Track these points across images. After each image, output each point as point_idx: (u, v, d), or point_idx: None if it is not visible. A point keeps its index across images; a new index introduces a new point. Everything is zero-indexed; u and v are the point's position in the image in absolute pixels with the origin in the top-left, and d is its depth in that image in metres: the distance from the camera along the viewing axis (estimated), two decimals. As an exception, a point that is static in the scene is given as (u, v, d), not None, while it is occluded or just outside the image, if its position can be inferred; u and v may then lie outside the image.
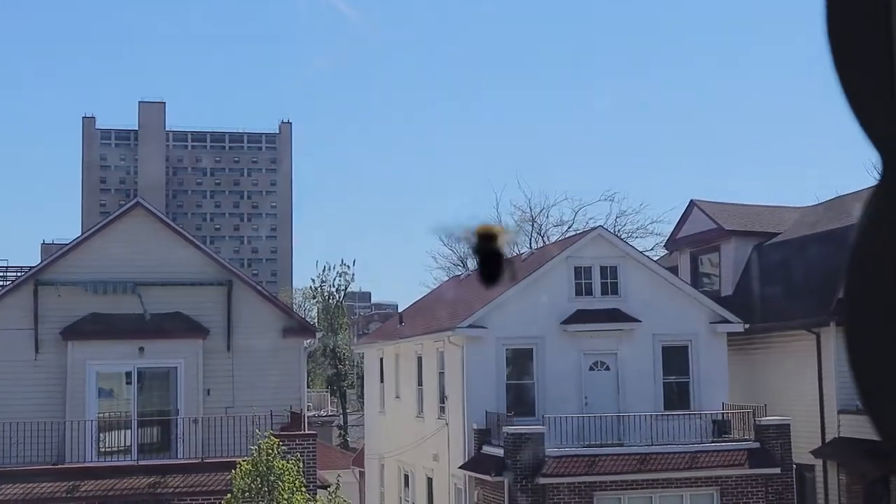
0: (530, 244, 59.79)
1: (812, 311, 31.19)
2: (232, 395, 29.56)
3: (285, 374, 30.33)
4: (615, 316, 32.38)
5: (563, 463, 28.70)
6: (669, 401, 32.39)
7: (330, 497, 26.91)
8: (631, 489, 29.11)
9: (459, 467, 31.94)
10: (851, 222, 30.41)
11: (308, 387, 51.94)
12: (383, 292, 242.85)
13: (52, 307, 29.40)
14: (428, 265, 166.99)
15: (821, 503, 32.20)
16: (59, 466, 27.64)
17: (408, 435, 37.27)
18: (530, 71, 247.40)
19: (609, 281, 32.71)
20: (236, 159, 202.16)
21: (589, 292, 32.66)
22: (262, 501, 24.05)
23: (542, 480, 28.37)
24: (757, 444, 29.95)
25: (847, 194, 36.50)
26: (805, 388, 32.38)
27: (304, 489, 24.59)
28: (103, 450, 28.99)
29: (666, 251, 43.57)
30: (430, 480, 36.15)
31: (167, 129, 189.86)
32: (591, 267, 32.71)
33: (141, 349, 29.30)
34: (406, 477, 39.03)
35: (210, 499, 26.68)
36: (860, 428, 29.72)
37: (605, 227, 38.73)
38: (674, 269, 36.78)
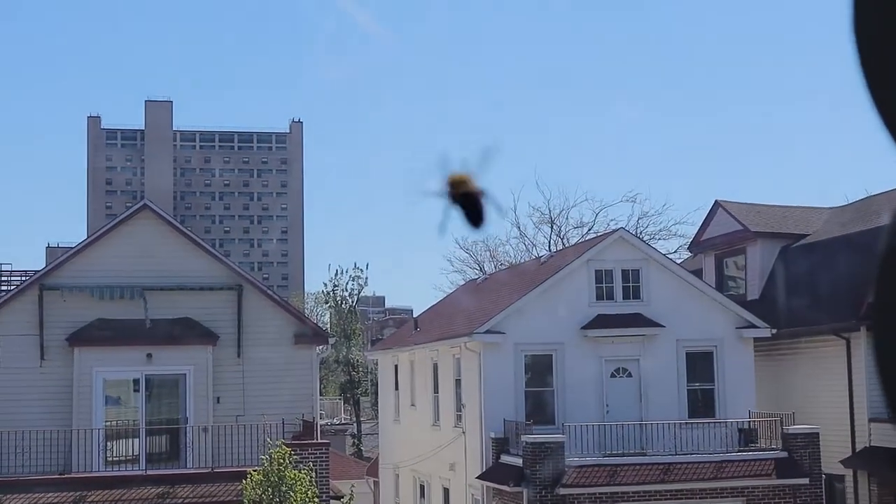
0: (549, 247, 59.23)
1: (841, 315, 30.65)
2: (242, 403, 29.41)
3: (297, 382, 30.19)
4: (637, 321, 31.81)
5: (583, 473, 28.31)
6: (694, 408, 31.94)
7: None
8: (654, 500, 28.77)
9: (477, 477, 31.57)
10: (882, 223, 29.65)
11: (321, 394, 51.47)
12: (397, 297, 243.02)
13: (57, 312, 29.21)
14: (444, 268, 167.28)
15: (851, 514, 31.53)
16: (66, 476, 27.44)
17: (423, 444, 36.81)
18: (547, 69, 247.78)
19: (631, 285, 32.18)
20: (246, 160, 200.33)
21: (610, 296, 32.07)
22: (274, 513, 23.83)
23: (562, 491, 28.02)
24: (785, 454, 29.52)
25: (878, 194, 35.87)
26: (834, 395, 31.98)
27: (316, 500, 24.85)
28: (111, 459, 28.87)
29: (690, 254, 43.28)
30: (446, 491, 35.74)
31: (174, 128, 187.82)
32: (612, 270, 32.16)
33: (149, 356, 29.07)
34: (422, 487, 38.59)
35: (220, 510, 26.37)
36: (892, 437, 29.06)
37: (626, 228, 38.49)
38: (698, 273, 36.38)
